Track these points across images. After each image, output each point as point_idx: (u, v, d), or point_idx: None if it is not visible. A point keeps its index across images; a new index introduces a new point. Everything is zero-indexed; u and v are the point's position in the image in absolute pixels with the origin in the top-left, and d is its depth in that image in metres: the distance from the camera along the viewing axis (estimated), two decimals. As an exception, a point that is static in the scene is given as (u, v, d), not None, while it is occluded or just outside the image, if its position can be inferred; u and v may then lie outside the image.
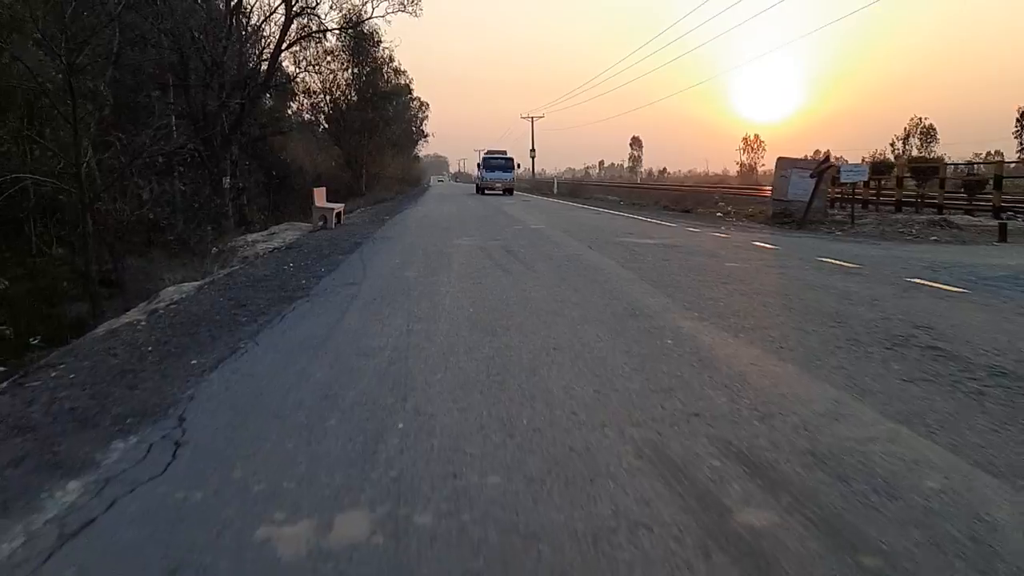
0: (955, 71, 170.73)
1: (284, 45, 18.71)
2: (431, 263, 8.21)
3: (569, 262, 8.19)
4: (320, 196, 13.91)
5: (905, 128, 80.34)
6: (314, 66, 28.02)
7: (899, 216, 14.82)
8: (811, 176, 13.96)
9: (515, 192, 37.41)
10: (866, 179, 14.00)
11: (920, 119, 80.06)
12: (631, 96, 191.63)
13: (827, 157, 14.27)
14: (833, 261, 8.26)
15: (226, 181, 19.09)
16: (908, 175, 16.87)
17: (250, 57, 17.86)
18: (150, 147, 12.72)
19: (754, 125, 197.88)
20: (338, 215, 14.63)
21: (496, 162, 37.91)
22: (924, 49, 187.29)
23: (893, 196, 15.86)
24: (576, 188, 39.14)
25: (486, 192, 36.78)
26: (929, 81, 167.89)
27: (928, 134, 78.28)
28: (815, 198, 13.96)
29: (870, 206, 16.66)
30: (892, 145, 79.05)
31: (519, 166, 40.52)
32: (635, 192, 35.04)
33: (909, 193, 16.42)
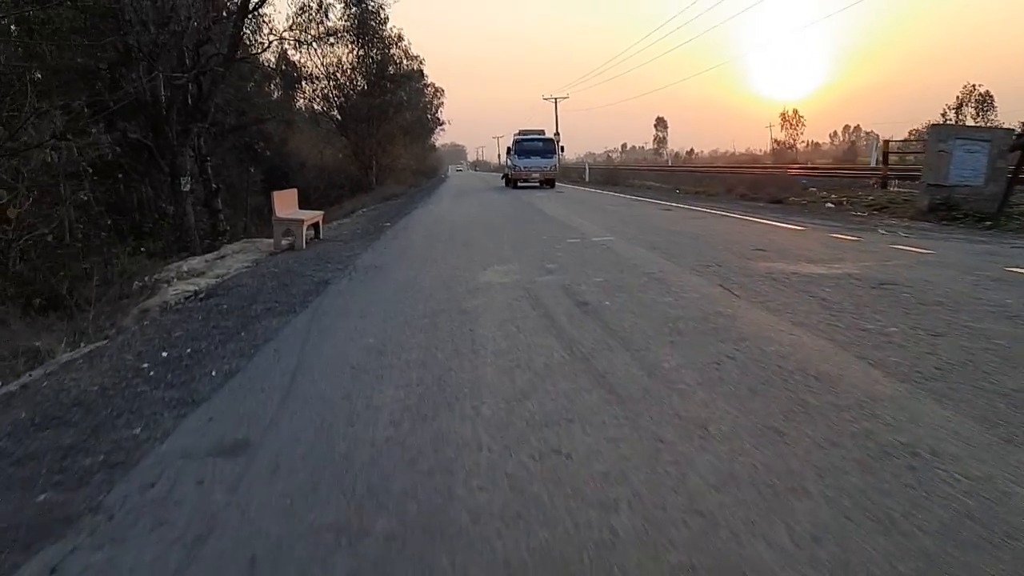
0: (1006, 39, 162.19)
1: (252, 4, 14.61)
2: (435, 352, 3.98)
3: (728, 344, 3.90)
4: (284, 203, 9.72)
5: (958, 96, 74.39)
6: (308, 43, 23.74)
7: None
8: (1009, 150, 9.50)
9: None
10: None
11: (974, 86, 74.03)
12: (651, 77, 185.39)
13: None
14: None
15: (186, 183, 15.00)
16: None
17: (206, 20, 13.79)
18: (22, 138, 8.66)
19: (774, 103, 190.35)
20: (315, 227, 10.46)
21: (532, 145, 27.91)
22: (971, 16, 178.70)
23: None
24: (612, 174, 34.48)
25: (519, 185, 27.52)
26: (979, 50, 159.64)
27: (984, 102, 72.26)
28: (1013, 183, 9.49)
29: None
30: (943, 115, 73.28)
31: (563, 149, 30.56)
32: (683, 177, 30.30)
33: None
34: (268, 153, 19.81)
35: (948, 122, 73.21)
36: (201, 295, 6.69)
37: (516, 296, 5.42)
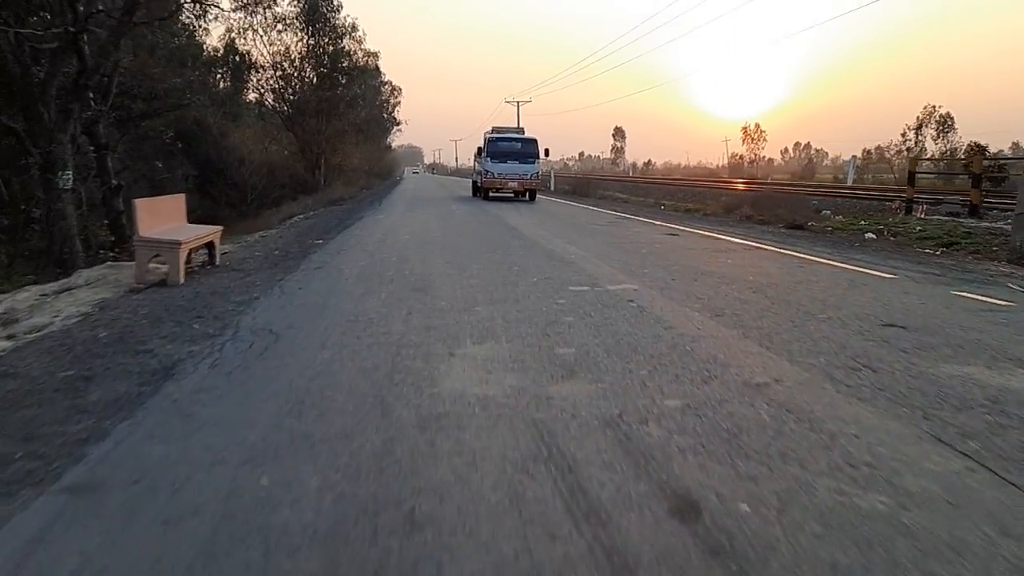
0: (955, 63, 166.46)
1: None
2: None
3: None
4: (156, 215, 6.60)
5: (917, 117, 73.94)
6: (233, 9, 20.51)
7: None
8: None
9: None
10: None
11: (934, 107, 73.71)
12: (608, 88, 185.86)
13: None
14: None
15: (64, 178, 11.73)
16: None
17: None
18: None
19: (723, 121, 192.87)
20: (208, 248, 7.43)
21: (510, 146, 22.21)
22: (920, 42, 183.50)
23: None
24: (581, 184, 31.70)
25: (491, 195, 22.48)
26: (929, 74, 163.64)
27: (944, 123, 71.92)
28: None
29: None
30: (903, 136, 72.86)
31: (547, 153, 23.95)
32: (654, 189, 27.88)
33: None
34: (180, 145, 16.46)
35: (908, 143, 73.18)
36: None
37: (521, 454, 2.58)
